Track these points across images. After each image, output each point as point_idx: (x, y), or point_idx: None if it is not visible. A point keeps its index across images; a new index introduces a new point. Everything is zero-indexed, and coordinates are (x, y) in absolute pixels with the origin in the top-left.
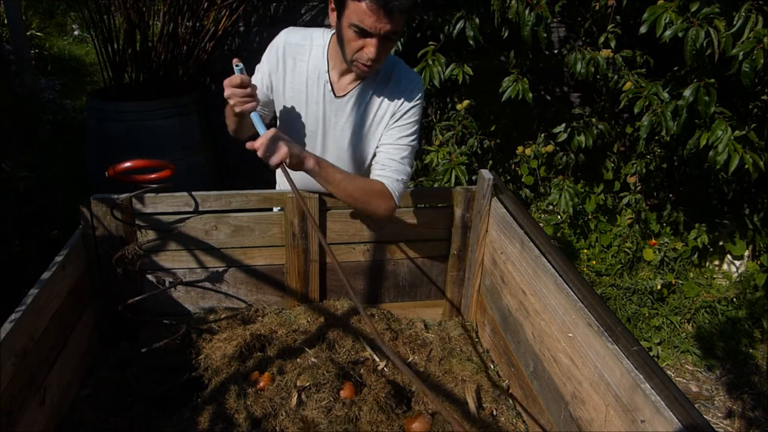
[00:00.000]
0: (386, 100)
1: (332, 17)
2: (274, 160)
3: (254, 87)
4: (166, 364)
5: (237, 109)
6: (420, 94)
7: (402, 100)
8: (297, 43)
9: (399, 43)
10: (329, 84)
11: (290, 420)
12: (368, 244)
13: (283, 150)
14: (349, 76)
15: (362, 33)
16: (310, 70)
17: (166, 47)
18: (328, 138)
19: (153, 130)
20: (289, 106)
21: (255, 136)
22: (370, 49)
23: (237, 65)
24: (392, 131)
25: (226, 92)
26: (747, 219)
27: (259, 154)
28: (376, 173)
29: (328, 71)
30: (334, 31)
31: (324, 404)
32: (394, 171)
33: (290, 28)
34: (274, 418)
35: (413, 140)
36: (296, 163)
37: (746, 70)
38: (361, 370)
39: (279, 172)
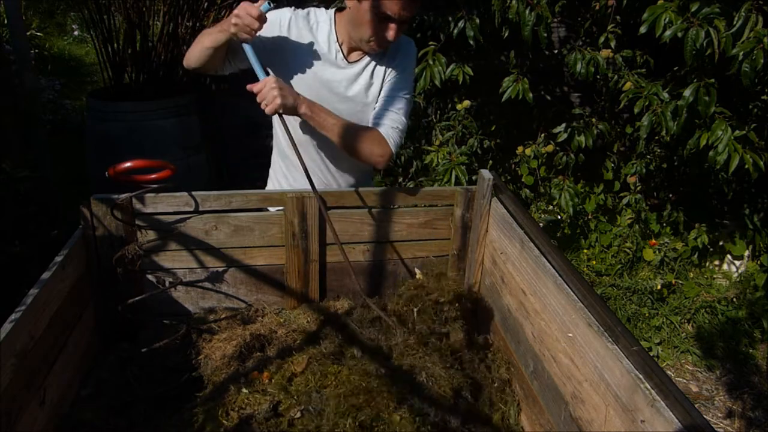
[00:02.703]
0: (387, 60)
1: (351, 1)
2: (268, 109)
3: (261, 26)
4: (166, 364)
5: (233, 30)
6: (414, 51)
7: (399, 57)
8: (303, 17)
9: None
10: (341, 53)
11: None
12: (368, 244)
13: (276, 102)
14: (358, 51)
15: (385, 18)
16: (321, 41)
17: (166, 47)
18: (341, 100)
19: (153, 130)
20: (293, 72)
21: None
22: (390, 32)
23: (270, 4)
24: (388, 85)
25: (239, 10)
26: (747, 219)
27: (258, 99)
28: (372, 122)
29: (338, 42)
30: (334, 8)
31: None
32: (389, 119)
33: (292, 8)
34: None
35: (408, 93)
36: (289, 111)
37: (746, 70)
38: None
39: (272, 172)
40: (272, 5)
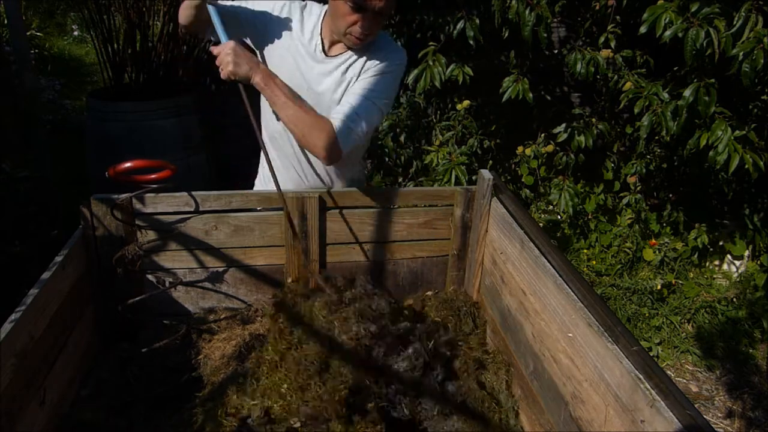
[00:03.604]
0: (366, 60)
1: None
2: (222, 75)
3: None
4: (166, 364)
5: None
6: (399, 62)
7: (379, 59)
8: (299, 6)
9: (399, 44)
10: (320, 45)
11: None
12: (368, 244)
13: (228, 68)
14: (339, 45)
15: (357, 8)
16: (306, 32)
17: (166, 47)
18: (311, 95)
19: (153, 130)
20: (276, 58)
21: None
22: (363, 23)
23: None
24: (358, 83)
25: None
26: (747, 219)
27: (216, 62)
28: (330, 115)
29: (321, 36)
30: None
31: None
32: (345, 116)
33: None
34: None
35: (377, 98)
36: (243, 79)
37: (746, 70)
38: None
39: (260, 168)
40: None
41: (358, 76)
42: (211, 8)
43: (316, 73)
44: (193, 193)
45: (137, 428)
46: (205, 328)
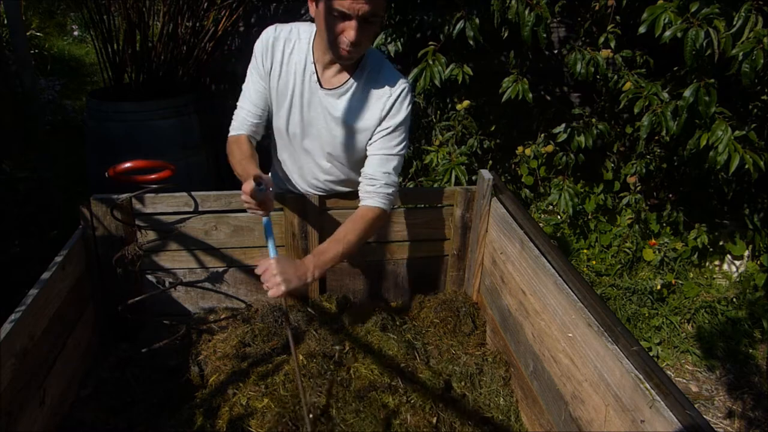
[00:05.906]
0: (376, 102)
1: (312, 7)
2: (271, 293)
3: (270, 202)
4: (166, 364)
5: (249, 213)
6: (409, 100)
7: (392, 106)
8: (285, 37)
9: (399, 43)
10: (315, 75)
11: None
12: (368, 244)
13: (281, 289)
14: (334, 69)
15: (342, 16)
16: (297, 63)
17: (166, 47)
18: (314, 130)
19: (153, 130)
20: (279, 98)
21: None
22: (350, 32)
23: (260, 186)
24: (382, 140)
25: (243, 197)
26: (747, 219)
27: (262, 280)
28: (366, 189)
29: (314, 63)
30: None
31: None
32: (384, 185)
33: (276, 25)
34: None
35: (402, 148)
36: (297, 288)
37: (746, 70)
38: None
39: (272, 171)
40: (263, 187)
41: (374, 130)
42: (264, 220)
43: (317, 107)
44: (193, 193)
45: (137, 428)
46: (205, 328)
